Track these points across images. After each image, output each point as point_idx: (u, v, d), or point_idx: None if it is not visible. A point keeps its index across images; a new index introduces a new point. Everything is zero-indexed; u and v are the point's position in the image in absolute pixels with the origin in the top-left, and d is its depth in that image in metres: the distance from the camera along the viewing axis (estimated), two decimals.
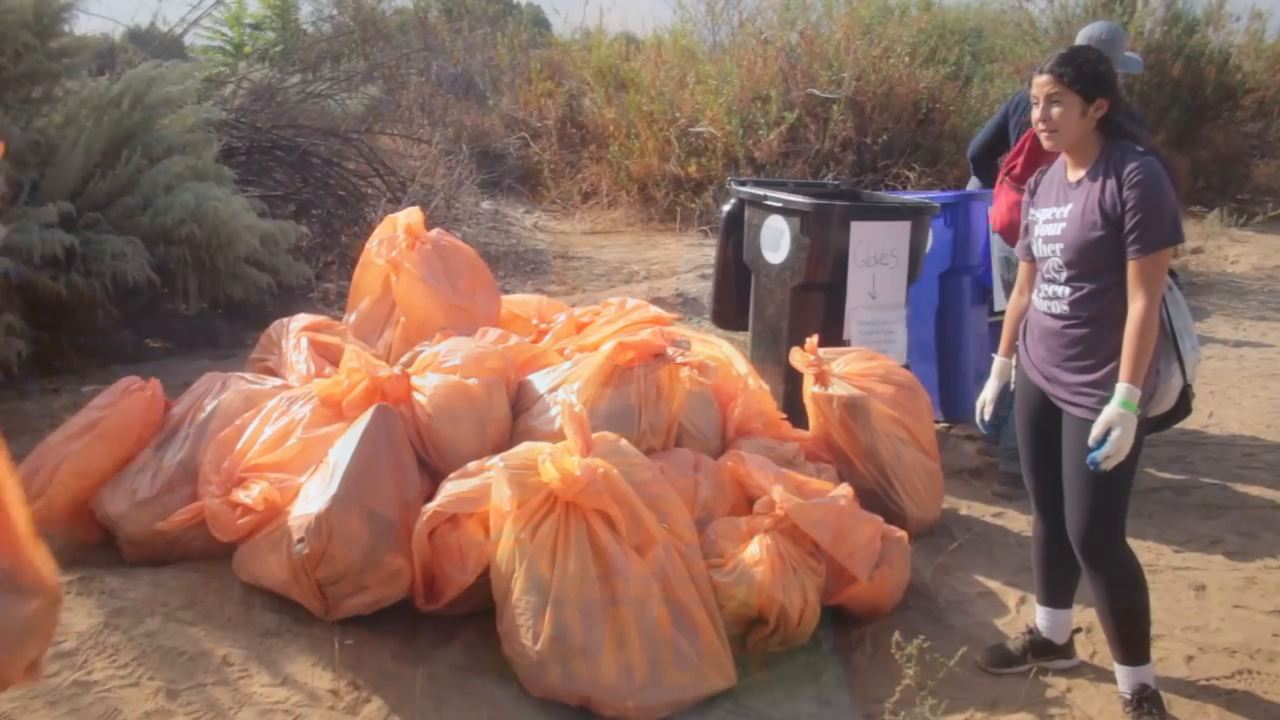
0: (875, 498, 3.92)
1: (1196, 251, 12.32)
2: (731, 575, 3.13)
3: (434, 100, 13.01)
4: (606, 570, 2.92)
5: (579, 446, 3.02)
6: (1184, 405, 2.86)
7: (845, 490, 3.48)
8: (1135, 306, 2.62)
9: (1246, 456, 5.20)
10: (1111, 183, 2.66)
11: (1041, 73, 2.76)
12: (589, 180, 11.75)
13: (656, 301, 6.55)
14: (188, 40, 12.28)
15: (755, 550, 3.16)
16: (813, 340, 4.13)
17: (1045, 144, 2.80)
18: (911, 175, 10.21)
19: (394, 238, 4.03)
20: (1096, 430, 2.63)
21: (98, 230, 5.37)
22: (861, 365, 4.14)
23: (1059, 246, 2.77)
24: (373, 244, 4.09)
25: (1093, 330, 2.73)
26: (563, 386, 3.61)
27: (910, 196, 5.45)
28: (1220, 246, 12.90)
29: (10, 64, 5.17)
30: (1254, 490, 4.72)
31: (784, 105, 10.40)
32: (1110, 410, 2.63)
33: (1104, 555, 2.80)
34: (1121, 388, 2.62)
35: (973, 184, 7.88)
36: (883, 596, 3.41)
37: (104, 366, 5.49)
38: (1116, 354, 2.67)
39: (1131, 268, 2.63)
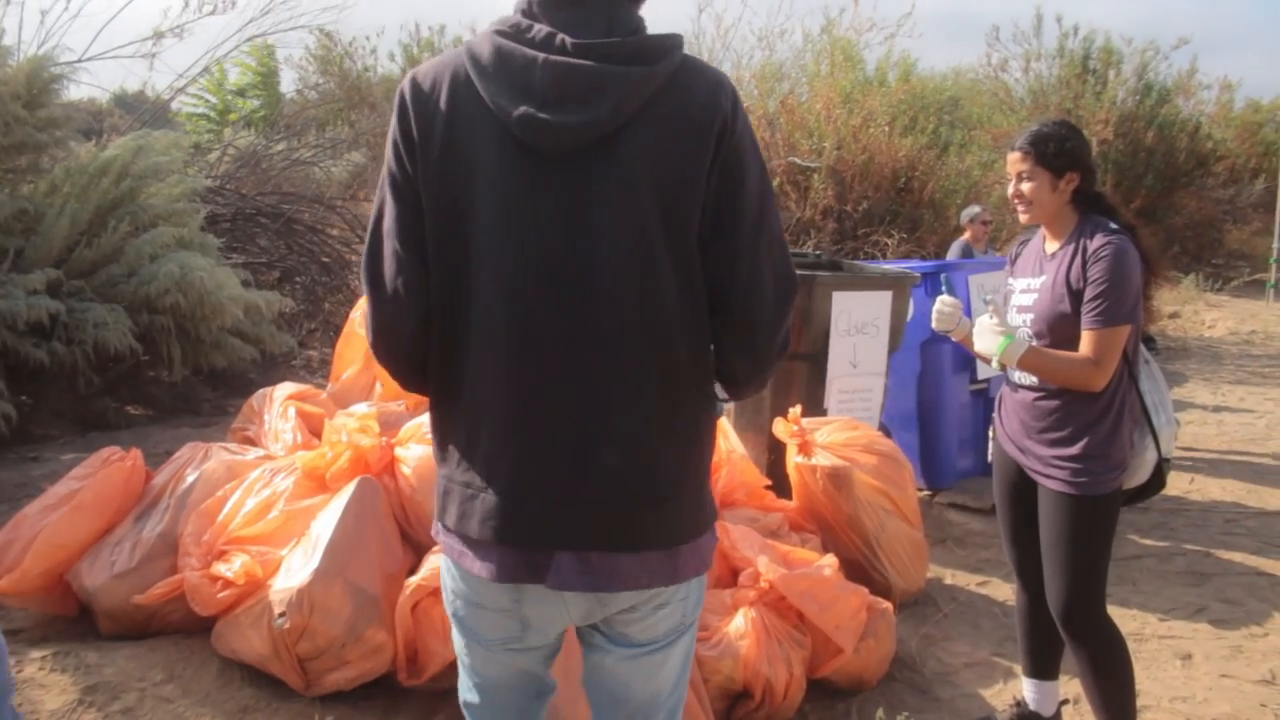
0: (859, 568, 3.92)
1: (1174, 316, 12.47)
2: (716, 649, 3.11)
3: None
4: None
5: None
6: (1158, 479, 2.88)
7: (830, 561, 3.47)
8: (1084, 362, 2.64)
9: (1228, 523, 5.23)
10: (1079, 256, 2.70)
11: (1013, 149, 2.82)
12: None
13: None
14: (174, 105, 12.42)
15: (740, 623, 3.14)
16: (795, 410, 4.15)
17: (1021, 218, 2.86)
18: (890, 242, 10.34)
19: None
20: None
21: (81, 298, 5.38)
22: (844, 435, 4.16)
23: (1030, 317, 2.81)
24: (356, 315, 4.11)
25: (1063, 403, 2.75)
26: None
27: (891, 266, 5.52)
28: (1196, 311, 13.07)
29: (0, 136, 5.21)
30: (1237, 557, 4.74)
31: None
32: (998, 337, 2.73)
33: (1085, 626, 2.80)
34: (1018, 344, 2.70)
35: (953, 252, 8.00)
36: (868, 669, 3.38)
37: (84, 434, 5.47)
38: (1089, 427, 2.69)
39: (1085, 338, 2.66)
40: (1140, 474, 2.83)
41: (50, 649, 3.08)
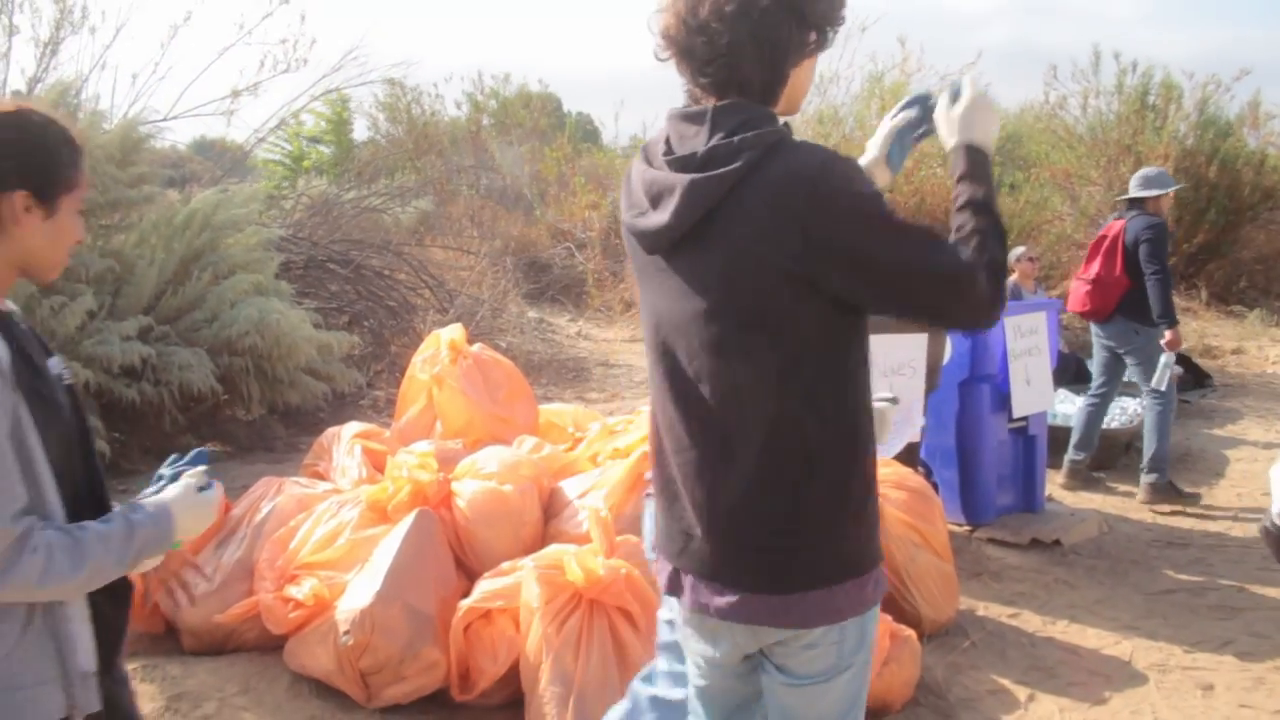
0: (890, 598, 4.11)
1: (1236, 352, 12.35)
2: None
3: (483, 212, 13.58)
4: (627, 663, 3.14)
5: (603, 549, 3.28)
6: None
7: None
8: None
9: (1266, 559, 5.28)
10: None
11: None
12: (631, 289, 12.17)
13: None
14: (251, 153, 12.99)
15: None
16: None
17: None
18: None
19: (437, 354, 4.37)
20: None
21: (167, 342, 5.80)
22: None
23: None
24: (418, 359, 4.43)
25: None
26: (591, 493, 3.88)
27: None
28: (1261, 347, 12.91)
29: (98, 195, 5.68)
30: (1271, 592, 4.81)
31: None
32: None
33: None
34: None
35: None
36: (891, 692, 3.57)
37: None
38: None
39: None
40: None
41: (140, 662, 3.41)
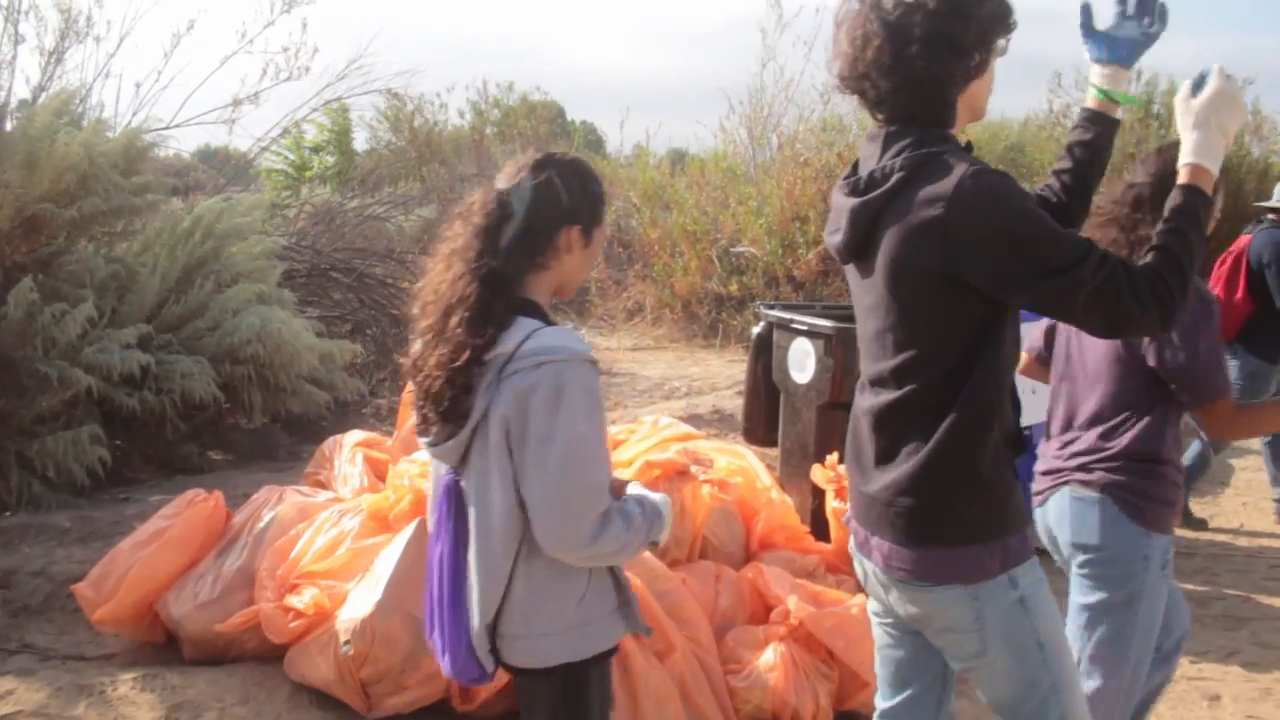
0: None
1: None
2: (747, 680, 3.31)
3: None
4: (628, 674, 3.12)
5: None
6: None
7: (859, 600, 3.65)
8: None
9: (1273, 568, 5.27)
10: None
11: None
12: (634, 298, 12.16)
13: (694, 418, 6.80)
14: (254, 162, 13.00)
15: (770, 656, 3.35)
16: (833, 457, 4.34)
17: None
18: None
19: None
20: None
21: (169, 350, 5.79)
22: None
23: None
24: None
25: None
26: None
27: None
28: None
29: (102, 202, 5.68)
30: (1277, 602, 4.79)
31: (823, 225, 10.72)
32: None
33: None
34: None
35: None
36: None
37: (169, 477, 5.85)
38: None
39: None
40: None
41: (140, 671, 3.40)
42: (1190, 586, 4.99)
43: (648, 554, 3.43)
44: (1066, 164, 2.42)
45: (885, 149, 1.95)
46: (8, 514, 5.00)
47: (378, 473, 4.25)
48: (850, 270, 2.11)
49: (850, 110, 13.30)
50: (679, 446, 4.02)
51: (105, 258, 5.88)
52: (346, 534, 3.64)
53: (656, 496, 2.12)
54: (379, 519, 3.69)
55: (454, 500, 2.05)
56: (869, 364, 2.08)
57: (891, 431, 2.02)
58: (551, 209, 2.01)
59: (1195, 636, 4.37)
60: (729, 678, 3.34)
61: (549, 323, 2.00)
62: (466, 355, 1.93)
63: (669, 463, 3.81)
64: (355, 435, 4.54)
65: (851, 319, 5.55)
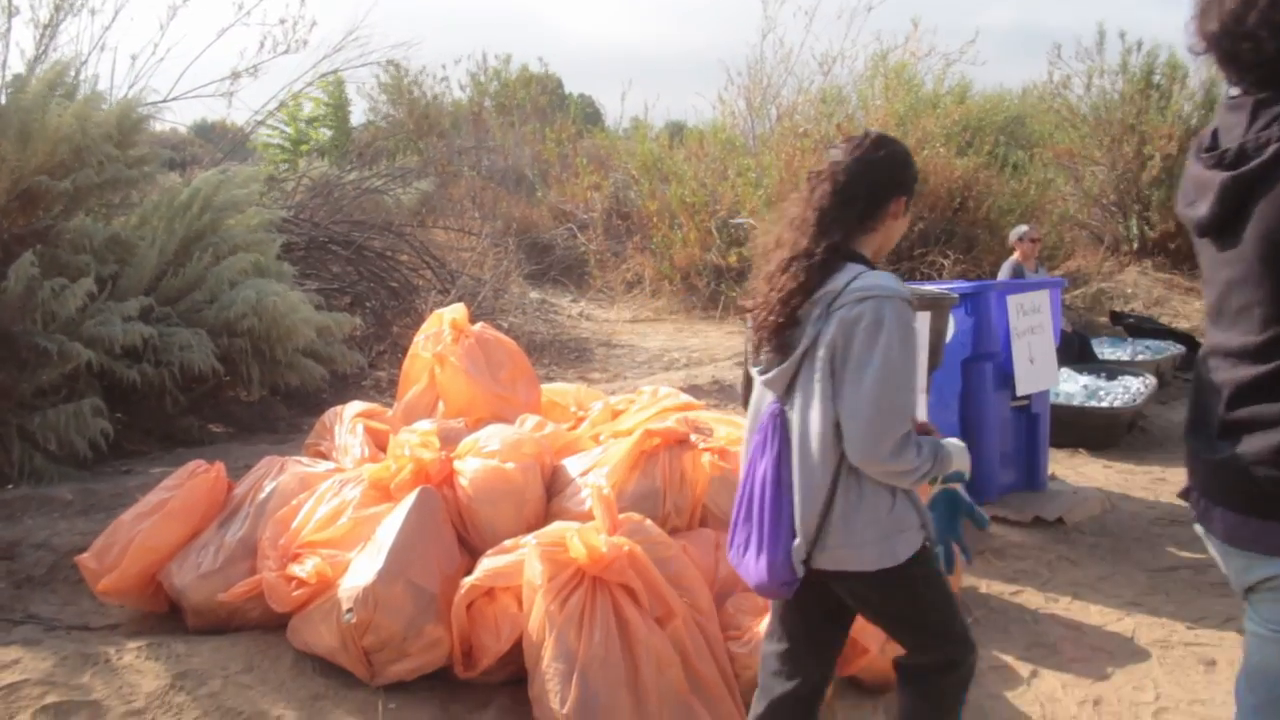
0: None
1: None
2: (748, 646, 3.33)
3: (484, 193, 13.55)
4: (630, 640, 3.14)
5: (606, 526, 3.27)
6: None
7: None
8: None
9: None
10: None
11: None
12: (633, 270, 12.15)
13: (693, 388, 6.82)
14: (251, 136, 12.97)
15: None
16: None
17: None
18: (946, 262, 10.44)
19: (440, 333, 4.36)
20: None
21: (168, 323, 5.79)
22: None
23: None
24: (420, 338, 4.42)
25: None
26: (594, 471, 3.87)
27: (930, 287, 5.69)
28: None
29: (95, 174, 5.65)
30: None
31: None
32: None
33: None
34: None
35: (1004, 272, 8.10)
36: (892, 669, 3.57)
37: (170, 449, 5.86)
38: None
39: None
40: None
41: (145, 640, 3.42)
42: (1188, 554, 5.02)
43: (648, 522, 3.45)
44: None
45: (1254, 118, 1.85)
46: (10, 487, 5.01)
47: (378, 443, 4.27)
48: (1204, 243, 2.01)
49: (850, 81, 13.28)
50: (679, 416, 4.03)
51: (104, 230, 5.86)
52: (348, 503, 3.66)
53: (953, 441, 2.45)
54: (380, 488, 3.70)
55: (779, 425, 2.39)
56: (1230, 336, 1.98)
57: (1254, 405, 1.93)
58: (889, 180, 2.41)
59: (1192, 603, 4.42)
60: (729, 644, 3.36)
61: (872, 268, 2.36)
62: (799, 295, 2.33)
63: (669, 431, 3.82)
64: (355, 406, 4.55)
65: None
